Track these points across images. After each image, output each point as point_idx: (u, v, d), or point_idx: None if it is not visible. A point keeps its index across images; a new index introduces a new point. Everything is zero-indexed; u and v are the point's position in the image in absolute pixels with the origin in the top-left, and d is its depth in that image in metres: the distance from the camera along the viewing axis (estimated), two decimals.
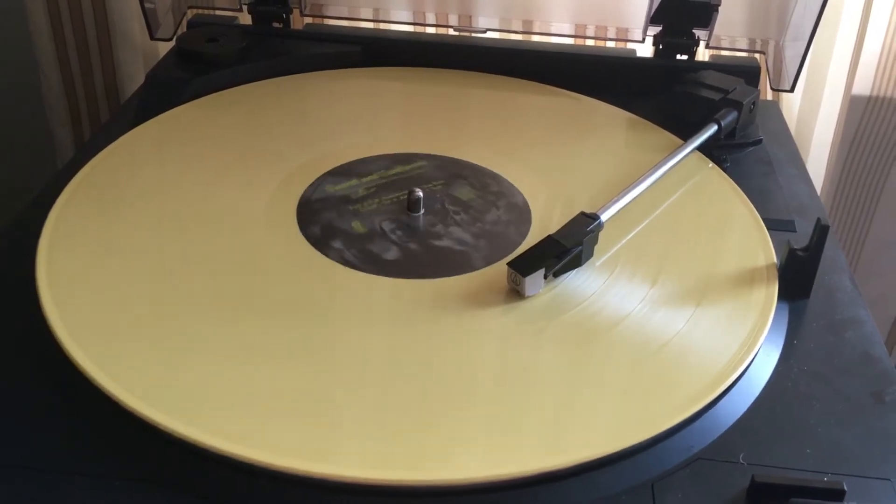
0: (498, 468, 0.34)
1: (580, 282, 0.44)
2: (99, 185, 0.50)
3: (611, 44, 0.68)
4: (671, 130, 0.58)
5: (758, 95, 0.58)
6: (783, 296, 0.44)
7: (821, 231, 0.44)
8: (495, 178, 0.53)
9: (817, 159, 0.75)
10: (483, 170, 0.53)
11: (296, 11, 0.67)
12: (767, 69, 0.64)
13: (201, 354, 0.39)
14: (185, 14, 0.68)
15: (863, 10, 0.68)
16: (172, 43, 0.65)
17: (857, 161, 0.74)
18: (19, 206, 0.51)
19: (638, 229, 0.48)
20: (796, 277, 0.45)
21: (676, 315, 0.42)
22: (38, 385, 0.38)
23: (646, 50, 0.67)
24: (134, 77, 0.77)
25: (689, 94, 0.58)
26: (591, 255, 0.46)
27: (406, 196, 0.49)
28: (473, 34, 0.67)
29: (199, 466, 0.35)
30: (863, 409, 0.39)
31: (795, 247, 0.45)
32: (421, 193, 0.49)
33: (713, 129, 0.55)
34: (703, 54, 0.65)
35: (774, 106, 0.66)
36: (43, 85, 0.77)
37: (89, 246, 0.45)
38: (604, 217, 0.46)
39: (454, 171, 0.53)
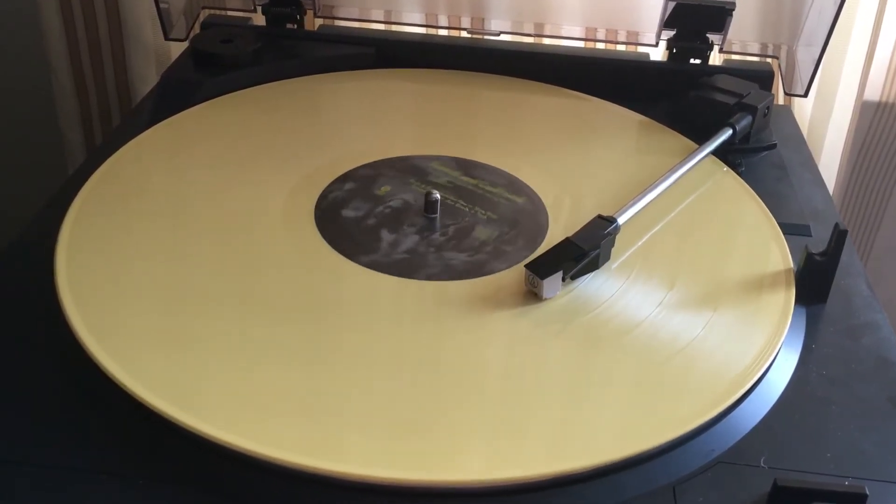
0: (517, 470, 0.34)
1: (598, 285, 0.44)
2: (114, 185, 0.50)
3: (621, 47, 0.68)
4: (685, 134, 0.58)
5: (772, 100, 0.58)
6: (800, 300, 0.44)
7: (839, 236, 0.44)
8: (511, 179, 0.53)
9: (829, 164, 0.75)
10: (499, 171, 0.53)
11: (309, 13, 0.68)
12: (780, 74, 0.64)
13: (215, 352, 0.39)
14: (198, 15, 0.69)
15: (875, 16, 0.68)
16: (185, 44, 0.66)
17: (867, 166, 0.74)
18: (30, 208, 0.51)
19: (654, 232, 0.48)
20: (813, 282, 0.45)
21: (694, 319, 0.42)
22: (59, 384, 0.38)
23: (658, 53, 0.67)
24: (145, 79, 0.77)
25: (704, 99, 0.58)
26: (608, 258, 0.46)
27: (423, 198, 0.49)
28: (486, 36, 0.67)
29: (210, 461, 0.35)
30: (881, 414, 0.39)
31: (813, 251, 0.45)
32: (438, 195, 0.49)
33: (728, 133, 0.55)
34: (716, 58, 0.65)
35: (787, 111, 0.66)
36: (54, 86, 0.78)
37: (106, 246, 0.45)
38: (621, 220, 0.46)
39: (470, 172, 0.53)
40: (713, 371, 0.40)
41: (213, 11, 0.69)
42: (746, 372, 0.39)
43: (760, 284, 0.45)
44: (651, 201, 0.49)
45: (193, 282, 0.43)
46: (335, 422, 0.36)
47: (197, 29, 0.67)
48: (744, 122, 0.56)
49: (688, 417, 0.37)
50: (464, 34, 0.68)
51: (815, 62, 0.60)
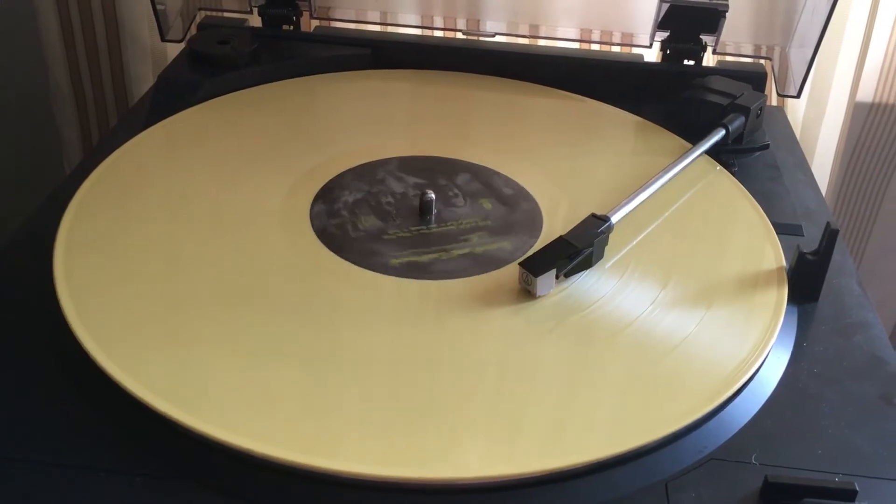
0: (511, 467, 0.35)
1: (591, 283, 0.45)
2: (111, 185, 0.50)
3: (616, 49, 0.69)
4: (679, 134, 0.58)
5: (764, 101, 0.58)
6: (792, 299, 0.45)
7: (830, 235, 0.44)
8: (505, 179, 0.53)
9: (821, 165, 0.75)
10: (493, 172, 0.54)
11: (306, 14, 0.68)
12: (773, 75, 0.65)
13: (212, 351, 0.39)
14: (194, 16, 0.69)
15: (868, 18, 0.69)
16: (181, 45, 0.66)
17: (860, 167, 0.74)
18: (27, 207, 0.51)
19: (647, 231, 0.49)
20: (805, 281, 0.45)
21: (687, 317, 0.43)
22: (58, 383, 0.39)
23: (652, 55, 0.67)
24: (142, 79, 0.77)
25: (697, 99, 0.58)
26: (601, 256, 0.46)
27: (418, 197, 0.49)
28: (481, 38, 0.67)
29: (208, 460, 0.35)
30: (872, 411, 0.40)
31: (805, 250, 0.45)
32: (433, 195, 0.49)
33: (721, 133, 0.56)
34: (709, 60, 0.66)
35: (780, 111, 0.67)
36: (51, 86, 0.78)
37: (104, 246, 0.45)
38: (614, 219, 0.46)
39: (465, 173, 0.53)
40: (706, 368, 0.40)
41: (209, 13, 0.69)
42: (739, 369, 0.40)
43: (753, 283, 0.45)
44: (644, 200, 0.49)
45: (191, 282, 0.44)
46: (331, 420, 0.37)
47: (193, 30, 0.67)
48: (737, 122, 0.56)
49: (680, 414, 0.37)
50: (459, 35, 0.68)
51: (807, 63, 0.61)
